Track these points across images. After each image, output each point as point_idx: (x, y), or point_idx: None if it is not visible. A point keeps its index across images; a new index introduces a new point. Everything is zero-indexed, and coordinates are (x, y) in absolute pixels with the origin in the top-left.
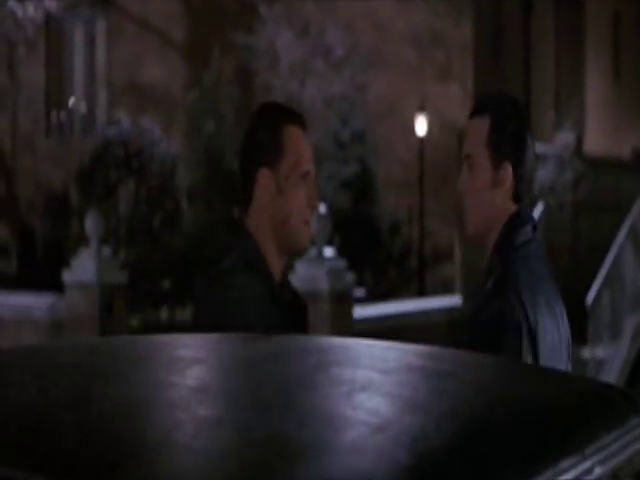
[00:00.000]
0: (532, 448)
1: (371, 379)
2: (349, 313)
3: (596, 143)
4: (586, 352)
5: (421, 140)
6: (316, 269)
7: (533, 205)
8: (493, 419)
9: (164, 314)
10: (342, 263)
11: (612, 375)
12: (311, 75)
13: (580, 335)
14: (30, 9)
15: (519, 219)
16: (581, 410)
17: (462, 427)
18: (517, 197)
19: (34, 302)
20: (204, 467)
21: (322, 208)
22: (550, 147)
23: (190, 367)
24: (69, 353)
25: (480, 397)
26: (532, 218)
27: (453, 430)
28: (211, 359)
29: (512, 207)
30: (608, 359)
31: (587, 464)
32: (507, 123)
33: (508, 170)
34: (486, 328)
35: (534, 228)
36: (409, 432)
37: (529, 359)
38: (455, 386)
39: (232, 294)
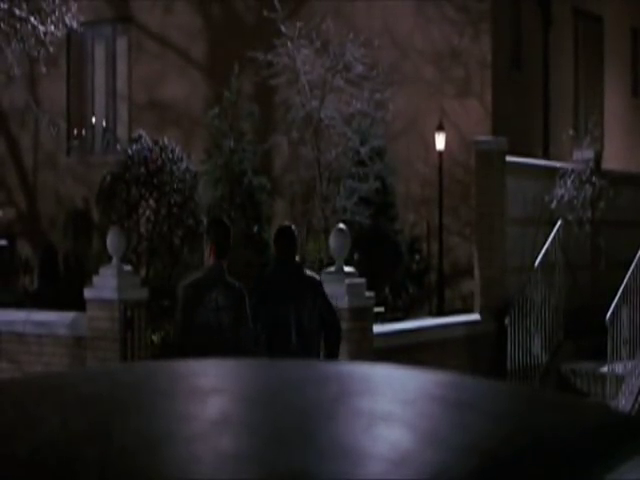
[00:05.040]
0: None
1: (391, 410)
2: (369, 329)
3: (615, 159)
4: (605, 368)
5: (440, 156)
6: (336, 286)
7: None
8: (513, 452)
9: None
10: (362, 280)
11: (631, 391)
12: (330, 92)
13: (599, 351)
14: (51, 26)
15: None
16: (599, 440)
17: (482, 461)
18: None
19: (56, 318)
20: None
21: (341, 225)
22: (569, 164)
23: (210, 398)
24: (91, 383)
25: (500, 429)
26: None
27: (473, 465)
28: (231, 389)
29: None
30: (627, 375)
31: None
32: None
33: None
34: None
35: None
36: (429, 467)
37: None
38: (475, 417)
39: None
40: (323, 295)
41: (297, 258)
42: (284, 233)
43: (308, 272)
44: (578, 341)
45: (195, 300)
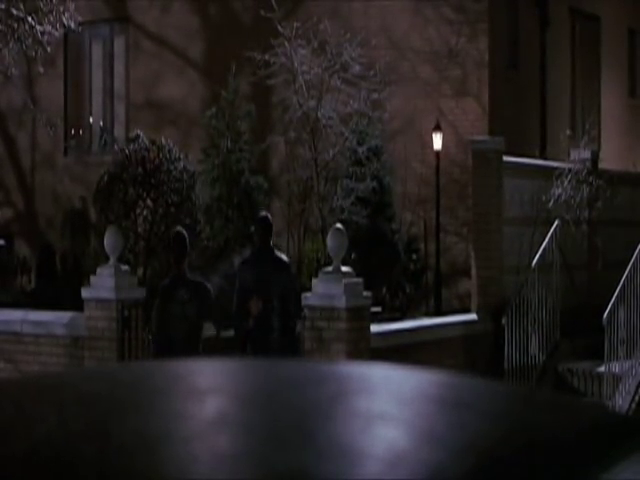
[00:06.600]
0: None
1: (388, 410)
2: (366, 329)
3: (612, 159)
4: (602, 368)
5: (437, 156)
6: (333, 285)
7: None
8: (509, 451)
9: None
10: (359, 279)
11: (628, 391)
12: (328, 92)
13: (596, 351)
14: (49, 25)
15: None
16: (596, 439)
17: (479, 461)
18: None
19: (53, 318)
20: None
21: (338, 224)
22: (566, 164)
23: (208, 397)
24: (88, 383)
25: (497, 429)
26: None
27: (470, 465)
28: (229, 389)
29: None
30: (624, 375)
31: None
32: None
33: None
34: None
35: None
36: (426, 467)
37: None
38: (472, 417)
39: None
40: (292, 278)
41: (271, 242)
42: (260, 222)
43: (280, 255)
44: (575, 341)
45: (168, 296)
